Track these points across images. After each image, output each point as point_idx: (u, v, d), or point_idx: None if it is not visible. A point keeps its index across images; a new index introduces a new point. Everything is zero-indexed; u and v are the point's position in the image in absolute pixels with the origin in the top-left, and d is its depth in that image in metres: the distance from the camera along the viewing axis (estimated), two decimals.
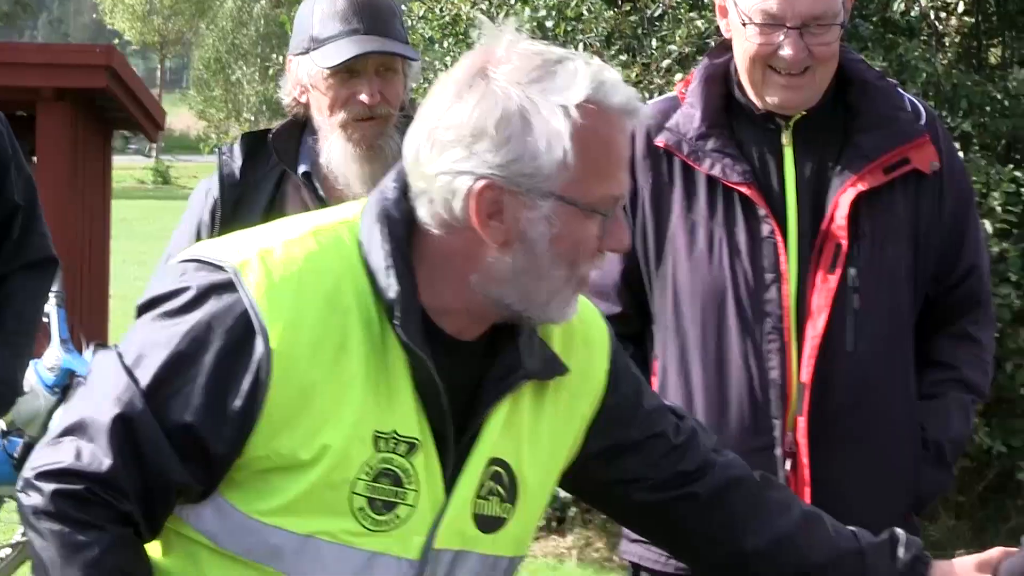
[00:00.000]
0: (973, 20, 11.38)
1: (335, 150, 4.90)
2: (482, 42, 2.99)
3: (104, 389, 2.88)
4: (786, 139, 4.51)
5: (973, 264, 4.64)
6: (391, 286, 2.93)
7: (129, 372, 2.87)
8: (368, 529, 2.95)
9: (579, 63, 2.92)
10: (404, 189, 3.02)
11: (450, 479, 3.02)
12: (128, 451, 2.84)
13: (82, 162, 17.53)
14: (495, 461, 3.09)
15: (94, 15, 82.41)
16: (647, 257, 4.54)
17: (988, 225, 10.08)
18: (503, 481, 3.11)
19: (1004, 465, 9.95)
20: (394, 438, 2.96)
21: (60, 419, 2.91)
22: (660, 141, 4.51)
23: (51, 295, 8.14)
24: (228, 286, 2.90)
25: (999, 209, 10.29)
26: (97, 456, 2.84)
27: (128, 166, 48.16)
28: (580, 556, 11.26)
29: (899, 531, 3.51)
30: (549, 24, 11.78)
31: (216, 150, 5.00)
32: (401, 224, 2.99)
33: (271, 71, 6.60)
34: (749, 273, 4.39)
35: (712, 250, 4.42)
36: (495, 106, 2.88)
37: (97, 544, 2.85)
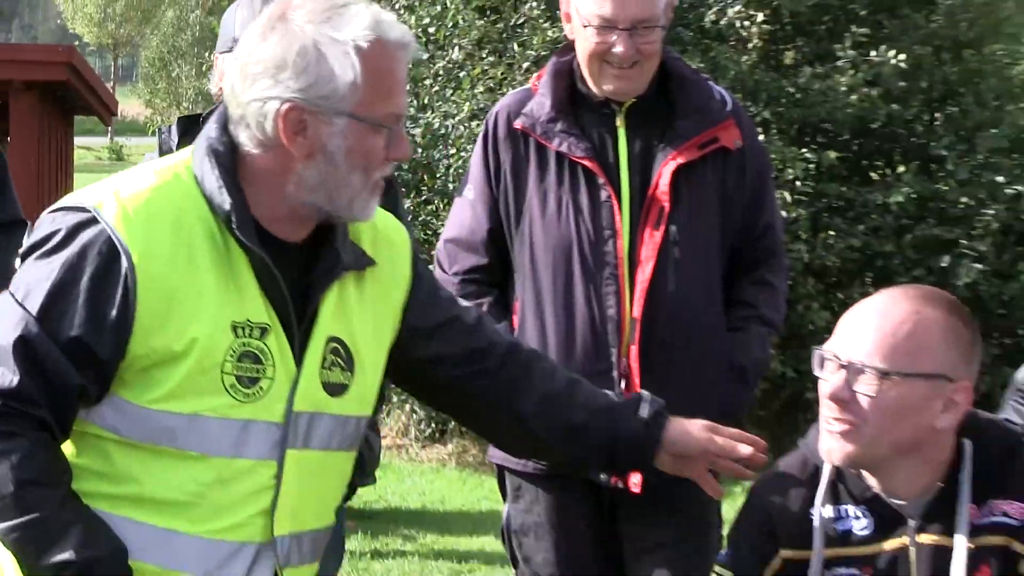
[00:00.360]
0: (771, 28, 11.29)
1: None
2: None
3: (4, 322, 2.92)
4: (620, 121, 4.54)
5: (769, 224, 4.72)
6: (225, 201, 2.99)
7: (21, 304, 2.91)
8: (240, 401, 3.00)
9: (361, 6, 3.04)
10: (224, 126, 3.07)
11: (299, 355, 3.09)
12: (31, 366, 2.87)
13: (48, 142, 18.12)
14: (332, 339, 3.16)
15: (58, 20, 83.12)
16: (508, 218, 4.58)
17: (787, 195, 10.00)
18: (341, 354, 3.17)
19: (795, 388, 10.05)
20: (248, 325, 3.01)
21: None
22: (518, 124, 4.55)
23: (20, 253, 7.88)
24: (91, 222, 2.94)
25: (792, 182, 10.19)
26: (7, 375, 2.87)
27: (88, 145, 47.94)
28: (458, 461, 11.20)
29: (645, 392, 3.60)
30: (432, 30, 11.54)
31: (158, 131, 4.90)
32: (225, 154, 3.05)
33: (204, 68, 6.50)
34: (591, 230, 4.42)
35: (561, 212, 4.44)
36: (294, 42, 2.97)
37: (20, 449, 2.89)
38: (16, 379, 2.87)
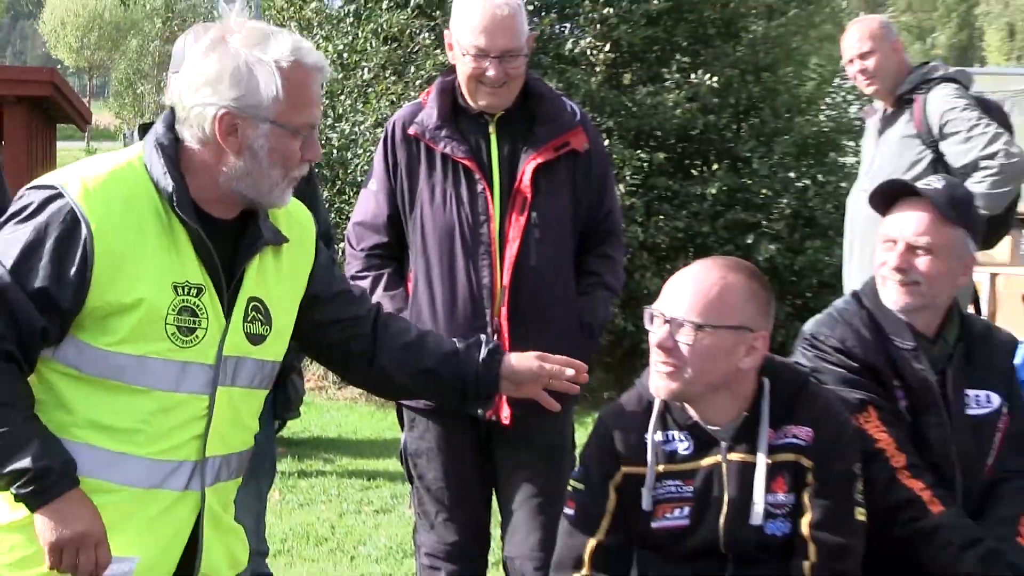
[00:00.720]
0: (613, 56, 11.28)
1: None
2: (222, 20, 3.18)
3: None
4: (492, 129, 4.56)
5: (610, 210, 4.75)
6: (168, 184, 3.06)
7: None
8: (179, 347, 3.08)
9: (285, 34, 3.12)
10: (171, 125, 3.14)
11: (227, 311, 3.17)
12: (3, 309, 2.92)
13: (36, 145, 18.63)
14: (254, 299, 3.24)
15: (44, 48, 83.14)
16: (404, 206, 4.60)
17: (623, 187, 9.99)
18: (261, 311, 3.26)
19: (633, 339, 10.08)
20: (186, 285, 3.09)
21: None
22: (411, 131, 4.57)
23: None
24: (58, 196, 3.00)
25: (629, 177, 10.19)
26: None
27: (68, 148, 47.22)
28: (367, 399, 11.14)
29: (483, 336, 3.72)
30: (345, 55, 11.44)
31: (123, 135, 4.82)
32: (170, 147, 3.12)
33: (162, 85, 6.55)
34: (469, 216, 4.45)
35: (445, 202, 4.47)
36: (230, 61, 3.04)
37: (9, 361, 2.95)
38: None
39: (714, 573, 3.54)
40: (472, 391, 3.64)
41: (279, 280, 3.33)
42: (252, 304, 3.23)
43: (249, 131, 3.06)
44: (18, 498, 2.95)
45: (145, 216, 3.04)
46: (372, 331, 3.58)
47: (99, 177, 3.04)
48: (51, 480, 2.95)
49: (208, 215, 3.13)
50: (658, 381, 3.51)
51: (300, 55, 3.08)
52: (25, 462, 2.91)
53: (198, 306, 3.09)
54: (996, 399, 3.90)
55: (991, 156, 6.21)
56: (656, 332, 3.48)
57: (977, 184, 6.17)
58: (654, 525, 3.55)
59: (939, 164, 6.36)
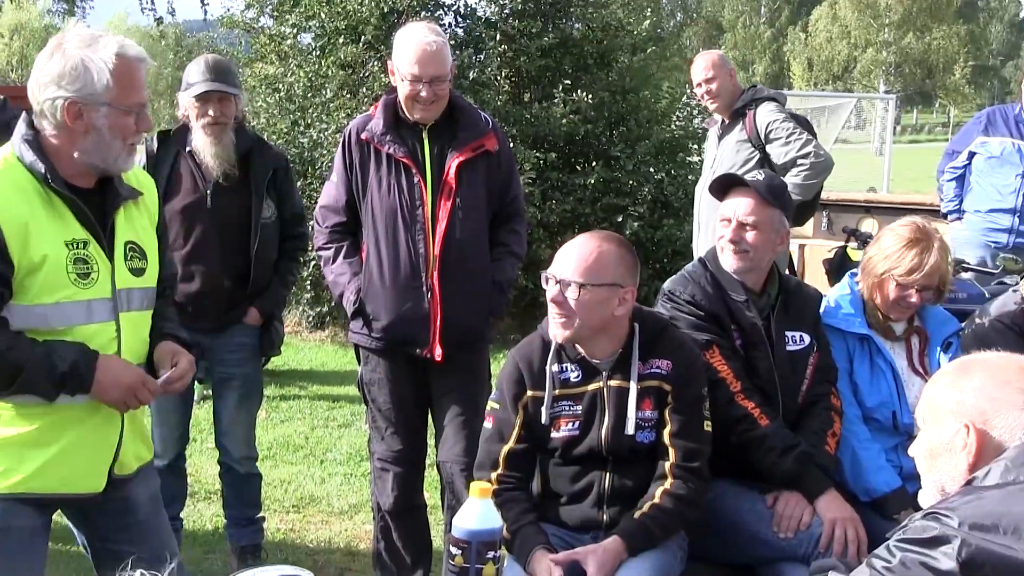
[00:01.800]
0: (515, 79, 11.26)
1: (199, 140, 4.83)
2: (62, 30, 3.12)
3: None
4: (425, 135, 4.51)
5: (515, 195, 4.74)
6: (41, 167, 2.99)
7: None
8: (82, 288, 3.02)
9: (110, 37, 3.03)
10: (30, 123, 3.05)
11: (110, 255, 3.10)
12: None
13: None
14: (128, 242, 3.18)
15: None
16: (357, 193, 4.57)
17: (523, 179, 9.96)
18: (136, 250, 3.20)
19: (532, 295, 10.08)
20: (75, 241, 3.02)
21: None
22: (363, 136, 4.54)
23: None
24: None
25: (528, 171, 10.15)
26: None
27: None
28: (332, 340, 11.08)
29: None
30: (312, 78, 11.33)
31: (145, 140, 4.73)
32: (34, 139, 3.03)
33: (173, 102, 6.46)
34: (408, 202, 4.44)
35: (390, 190, 4.47)
36: (68, 60, 2.97)
37: None
38: None
39: (597, 471, 3.55)
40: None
41: (143, 224, 3.28)
42: (129, 246, 3.17)
43: (91, 114, 2.98)
44: (71, 393, 2.98)
45: (30, 195, 2.97)
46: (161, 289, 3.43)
47: None
48: (81, 367, 2.97)
49: (74, 186, 3.05)
50: (554, 329, 3.51)
51: (123, 50, 3.01)
52: (64, 366, 2.94)
53: (88, 255, 3.02)
54: (808, 339, 3.94)
55: (805, 156, 6.44)
56: (551, 290, 3.49)
57: (794, 177, 6.34)
58: (552, 435, 3.54)
59: (765, 162, 6.49)
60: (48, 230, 2.96)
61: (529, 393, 3.57)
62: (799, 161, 6.39)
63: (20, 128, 3.05)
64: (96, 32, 3.06)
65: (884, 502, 3.83)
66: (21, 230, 2.91)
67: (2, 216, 2.89)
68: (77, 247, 3.01)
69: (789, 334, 3.91)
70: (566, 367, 3.56)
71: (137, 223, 3.25)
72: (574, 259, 3.47)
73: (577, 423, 3.53)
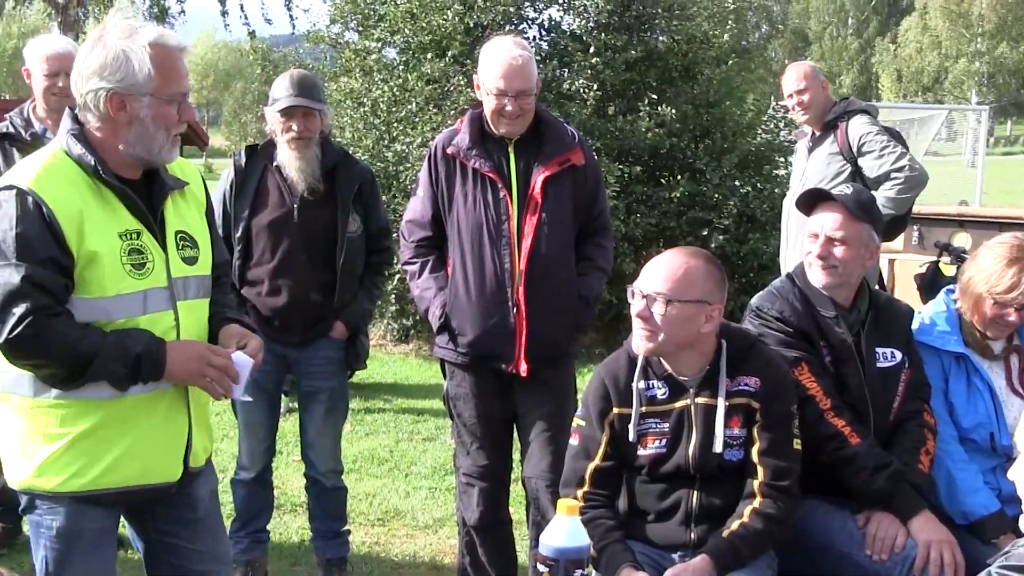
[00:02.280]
0: (600, 93, 11.24)
1: (284, 154, 4.88)
2: (103, 22, 3.13)
3: (5, 274, 2.88)
4: (511, 149, 4.51)
5: (601, 209, 4.71)
6: (90, 159, 3.00)
7: (5, 255, 2.89)
8: (138, 279, 3.03)
9: (150, 26, 3.06)
10: (75, 118, 3.08)
11: (163, 244, 3.11)
12: (37, 287, 2.86)
13: None
14: (179, 231, 3.19)
15: None
16: (443, 208, 4.59)
17: (608, 192, 9.93)
18: (187, 239, 3.22)
19: (617, 310, 10.00)
20: (127, 232, 3.03)
21: None
22: (449, 151, 4.54)
23: None
24: (11, 189, 2.91)
25: (613, 185, 10.14)
26: (34, 298, 2.86)
27: (193, 164, 47.25)
28: (416, 354, 11.12)
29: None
30: (397, 92, 11.43)
31: (234, 153, 4.81)
32: (80, 132, 3.05)
33: (260, 115, 6.53)
34: (494, 216, 4.44)
35: (476, 204, 4.47)
36: (109, 52, 2.99)
37: (63, 323, 2.91)
38: (37, 299, 2.86)
39: (685, 489, 3.52)
40: None
41: (191, 213, 3.29)
42: (179, 235, 3.17)
43: (134, 105, 2.99)
44: (145, 379, 2.99)
45: (81, 188, 2.98)
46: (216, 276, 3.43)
47: (38, 169, 2.98)
48: (155, 350, 3.00)
49: (123, 177, 3.06)
50: (638, 342, 3.51)
51: (163, 39, 3.03)
52: (138, 348, 2.96)
53: (142, 245, 3.03)
54: (899, 355, 3.88)
55: (899, 169, 6.34)
56: (636, 304, 3.48)
57: (887, 191, 6.27)
58: (639, 453, 3.53)
59: (857, 175, 6.41)
60: (102, 222, 2.98)
61: (615, 410, 3.55)
62: (893, 175, 6.30)
63: (65, 122, 3.08)
64: (136, 23, 3.07)
65: (982, 526, 3.72)
66: (77, 223, 2.93)
67: (58, 209, 2.91)
68: (131, 238, 3.02)
69: (880, 350, 3.86)
70: (653, 384, 3.55)
71: (185, 212, 3.26)
72: (661, 274, 3.45)
73: (664, 440, 3.51)
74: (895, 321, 3.94)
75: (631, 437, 3.51)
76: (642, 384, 3.54)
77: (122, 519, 3.35)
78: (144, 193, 3.11)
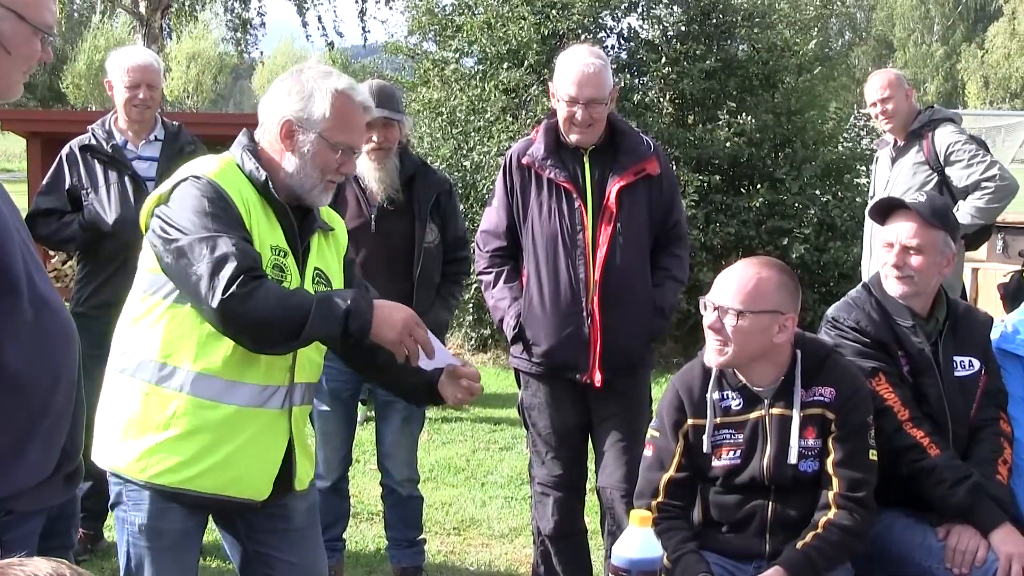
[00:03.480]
0: (678, 102, 11.26)
1: (363, 164, 4.88)
2: (306, 62, 3.26)
3: (214, 243, 2.93)
4: (587, 159, 4.52)
5: (678, 220, 4.70)
6: (261, 175, 3.12)
7: (209, 231, 2.95)
8: (279, 281, 3.06)
9: (346, 78, 3.19)
10: (251, 136, 3.22)
11: (301, 273, 3.18)
12: (241, 250, 2.91)
13: None
14: (317, 268, 3.26)
15: (254, 99, 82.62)
16: (518, 218, 4.62)
17: (686, 202, 9.90)
18: (323, 278, 3.27)
19: (694, 319, 9.91)
20: (278, 248, 3.11)
21: (203, 266, 2.93)
22: (524, 160, 4.57)
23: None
24: (199, 178, 3.03)
25: (691, 194, 10.10)
26: (243, 260, 2.89)
27: None
28: (494, 363, 11.12)
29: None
30: (475, 103, 11.52)
31: None
32: (254, 150, 3.18)
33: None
34: (568, 226, 4.46)
35: (551, 215, 4.49)
36: (302, 85, 3.14)
37: (271, 286, 2.95)
38: (243, 261, 2.89)
39: (760, 500, 3.52)
40: (412, 392, 3.48)
41: (331, 257, 3.35)
42: (316, 271, 3.23)
43: (300, 137, 3.11)
44: (355, 333, 2.99)
45: (250, 195, 3.07)
46: None
47: (215, 168, 3.09)
48: (362, 304, 3.00)
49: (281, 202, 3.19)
50: (711, 354, 3.52)
51: (351, 91, 3.15)
52: (346, 303, 2.96)
53: (285, 265, 3.10)
54: (977, 363, 3.85)
55: (990, 179, 6.32)
56: (708, 317, 3.49)
57: (977, 200, 6.24)
58: (713, 464, 3.53)
59: (944, 185, 6.37)
60: (261, 228, 3.07)
61: (690, 421, 3.56)
62: (983, 184, 6.25)
63: (241, 139, 3.20)
64: (337, 71, 3.22)
65: None
66: (247, 217, 3.03)
67: (234, 196, 3.02)
68: (278, 254, 3.09)
69: (958, 359, 3.83)
70: (727, 395, 3.55)
71: (327, 253, 3.33)
72: (733, 285, 3.46)
73: (739, 452, 3.51)
74: (973, 329, 3.91)
75: (705, 448, 3.51)
76: (716, 395, 3.54)
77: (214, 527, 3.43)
78: (298, 220, 3.20)
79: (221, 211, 2.98)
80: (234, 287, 2.86)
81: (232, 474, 3.12)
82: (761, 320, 3.42)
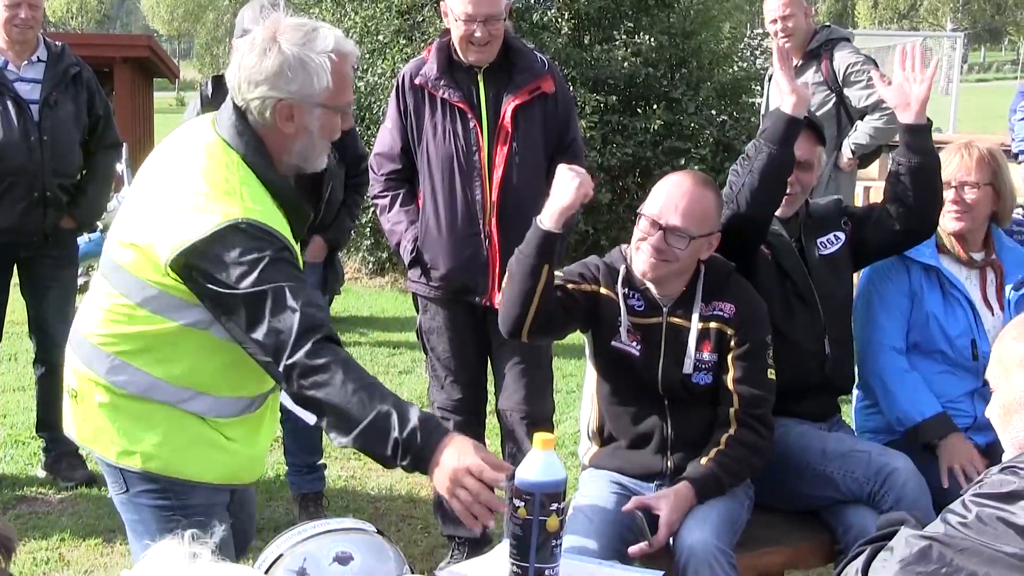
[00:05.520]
0: (574, 22, 11.18)
1: None
2: (268, 21, 2.85)
3: (290, 292, 2.69)
4: (480, 78, 4.45)
5: (573, 138, 4.65)
6: (260, 161, 2.84)
7: (279, 284, 2.70)
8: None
9: (325, 29, 2.87)
10: (240, 113, 2.87)
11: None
12: (306, 297, 2.69)
13: (138, 96, 18.75)
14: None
15: (143, 20, 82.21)
16: (412, 140, 4.55)
17: (584, 123, 9.86)
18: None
19: (593, 240, 9.97)
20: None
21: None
22: (417, 81, 4.49)
23: (121, 160, 7.83)
24: (240, 223, 2.72)
25: (589, 115, 10.08)
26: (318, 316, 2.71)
27: (164, 97, 46.48)
28: (391, 286, 11.13)
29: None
30: (370, 24, 11.33)
31: (200, 84, 4.78)
32: (246, 131, 2.86)
33: (230, 48, 6.44)
34: (464, 147, 4.42)
35: (446, 136, 4.43)
36: (285, 59, 2.78)
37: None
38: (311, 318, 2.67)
39: (655, 416, 3.52)
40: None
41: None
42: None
43: (304, 116, 2.83)
44: (406, 466, 2.60)
45: (253, 182, 2.83)
46: None
47: (242, 189, 2.77)
48: (420, 439, 2.58)
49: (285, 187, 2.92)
50: (644, 267, 3.45)
51: (340, 47, 2.84)
52: (391, 435, 2.59)
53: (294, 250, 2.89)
54: (840, 236, 3.95)
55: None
56: (653, 237, 3.41)
57: (876, 121, 6.35)
58: (614, 343, 3.50)
59: (840, 105, 6.40)
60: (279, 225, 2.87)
61: (603, 290, 3.52)
62: (883, 106, 6.24)
63: (228, 117, 2.88)
64: (306, 23, 2.88)
65: (917, 431, 3.80)
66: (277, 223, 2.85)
67: (272, 224, 2.79)
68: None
69: (819, 240, 3.91)
70: (633, 292, 3.52)
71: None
72: (682, 207, 3.40)
73: (638, 345, 3.48)
74: (826, 210, 4.00)
75: (624, 325, 3.47)
76: (625, 290, 3.52)
77: None
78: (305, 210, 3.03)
79: (284, 265, 2.73)
80: (304, 356, 2.64)
81: (256, 467, 3.23)
82: (703, 242, 3.43)
